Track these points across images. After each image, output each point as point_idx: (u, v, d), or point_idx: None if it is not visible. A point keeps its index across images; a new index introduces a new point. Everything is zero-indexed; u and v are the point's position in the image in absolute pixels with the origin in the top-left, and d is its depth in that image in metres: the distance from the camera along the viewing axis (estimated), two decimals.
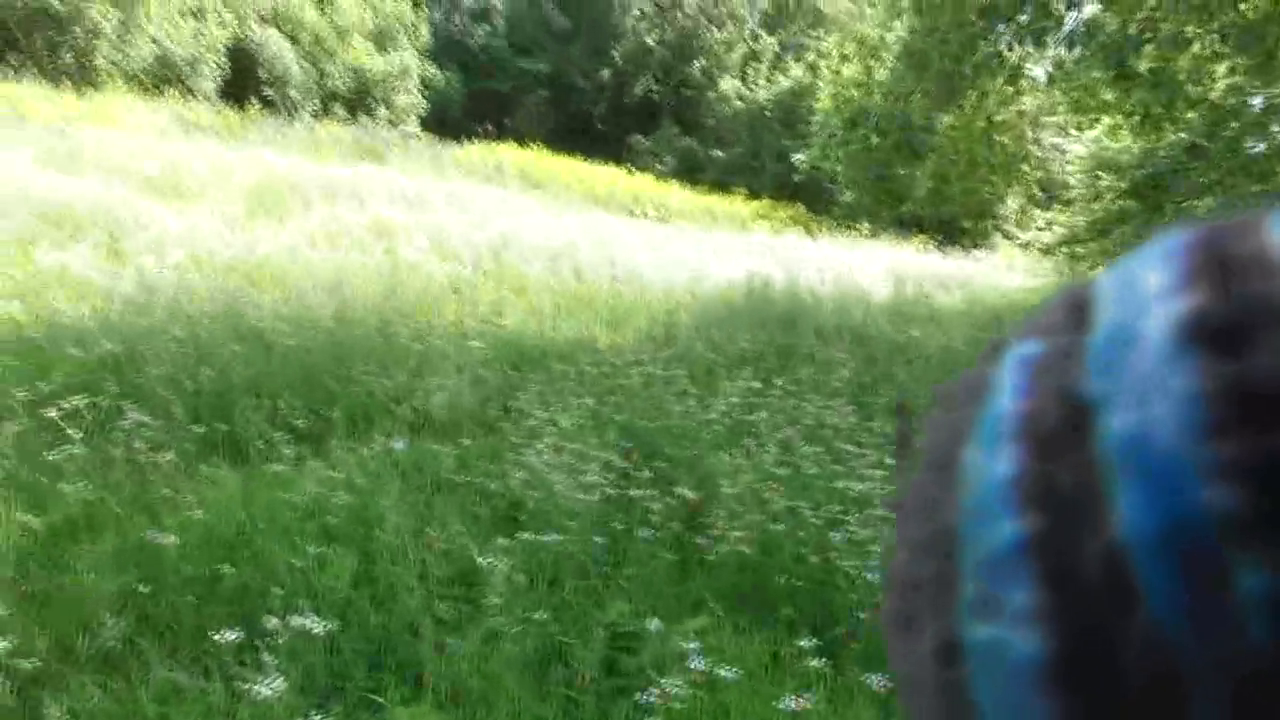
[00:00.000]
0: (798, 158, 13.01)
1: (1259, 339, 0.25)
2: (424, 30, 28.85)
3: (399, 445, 4.31)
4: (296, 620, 2.78)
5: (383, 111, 25.67)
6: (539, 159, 23.83)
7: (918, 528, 0.32)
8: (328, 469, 3.94)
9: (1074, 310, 0.30)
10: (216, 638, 2.68)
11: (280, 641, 2.68)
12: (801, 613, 3.62)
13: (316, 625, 2.76)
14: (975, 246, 20.37)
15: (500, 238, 9.79)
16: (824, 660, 3.13)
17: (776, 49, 29.79)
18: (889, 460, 4.60)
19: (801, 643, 3.34)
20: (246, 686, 2.66)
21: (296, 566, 3.21)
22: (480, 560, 3.38)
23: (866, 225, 19.77)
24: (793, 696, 2.68)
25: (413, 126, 25.69)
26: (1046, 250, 13.07)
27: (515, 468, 4.28)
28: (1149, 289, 0.28)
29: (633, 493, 4.11)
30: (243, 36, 24.28)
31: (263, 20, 25.08)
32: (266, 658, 2.66)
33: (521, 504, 4.09)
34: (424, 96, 27.45)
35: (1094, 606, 0.26)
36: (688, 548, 3.95)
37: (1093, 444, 0.26)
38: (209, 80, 23.20)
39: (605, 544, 3.83)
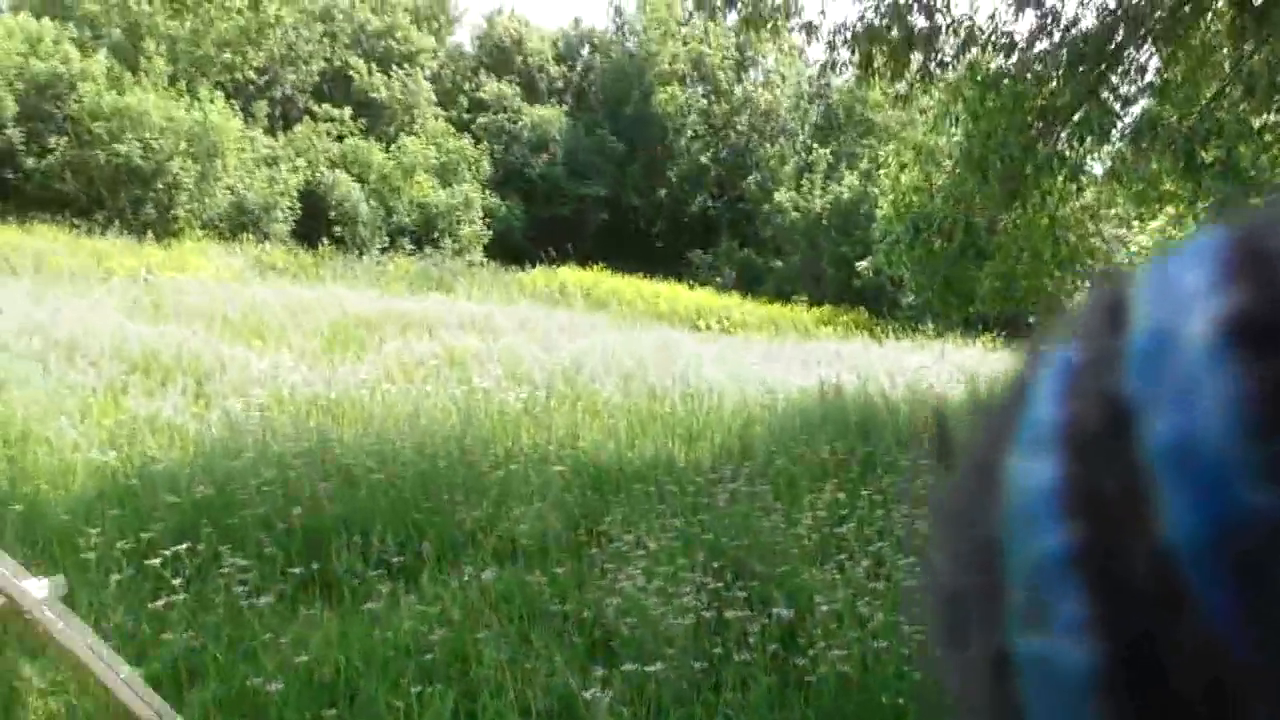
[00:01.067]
0: (862, 265, 13.09)
1: None
2: (485, 164, 29.99)
3: (488, 575, 4.30)
4: None
5: (448, 242, 26.53)
6: (601, 279, 24.31)
7: (960, 537, 0.31)
8: (421, 604, 3.94)
9: (1111, 313, 0.30)
10: None
11: None
12: None
13: None
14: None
15: (570, 359, 9.92)
16: None
17: (830, 159, 30.31)
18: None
19: None
20: None
21: (397, 706, 3.19)
22: (581, 692, 3.33)
23: (932, 326, 19.65)
24: None
25: (477, 255, 26.47)
26: None
27: (607, 594, 4.24)
28: (1187, 289, 0.27)
29: (727, 614, 4.04)
30: (313, 180, 25.49)
31: (332, 164, 26.34)
32: None
33: (616, 631, 4.03)
34: (487, 226, 28.36)
35: (1145, 614, 0.25)
36: (786, 669, 3.85)
37: (1136, 448, 0.26)
38: (282, 223, 24.32)
39: (704, 669, 3.74)
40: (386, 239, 25.83)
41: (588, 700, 3.20)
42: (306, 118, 28.15)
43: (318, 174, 25.66)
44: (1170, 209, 11.21)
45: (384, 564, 4.42)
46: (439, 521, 5.12)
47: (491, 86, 32.13)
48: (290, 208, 24.65)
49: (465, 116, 31.51)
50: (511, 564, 4.67)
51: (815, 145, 31.29)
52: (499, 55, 33.63)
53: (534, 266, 24.61)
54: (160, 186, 21.91)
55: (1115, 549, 0.26)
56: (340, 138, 27.72)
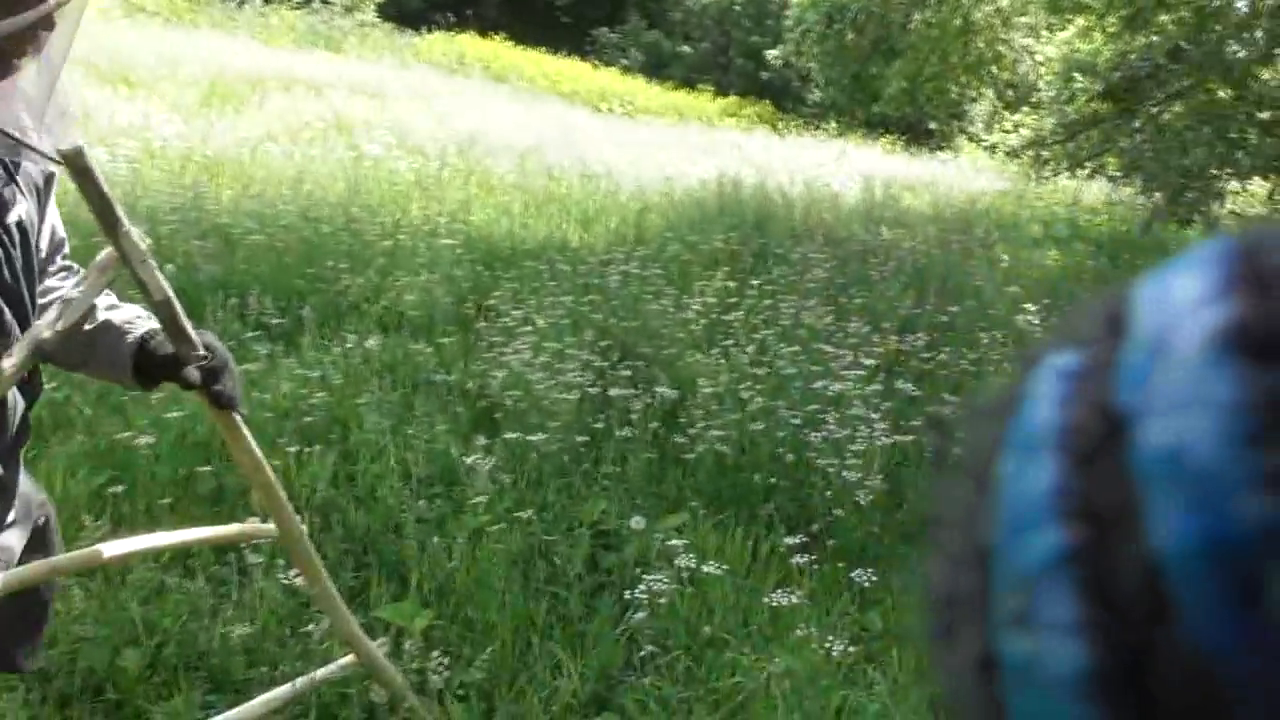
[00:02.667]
0: (772, 54, 12.75)
1: None
2: None
3: (372, 343, 4.23)
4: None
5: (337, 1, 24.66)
6: (502, 51, 23.17)
7: (956, 540, 0.32)
8: (301, 368, 3.87)
9: (1110, 319, 0.30)
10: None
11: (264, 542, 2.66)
12: (780, 510, 3.66)
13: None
14: (941, 149, 20.26)
15: (465, 132, 9.53)
16: (804, 557, 3.17)
17: None
18: (866, 361, 4.62)
19: (781, 539, 3.38)
20: (228, 587, 2.64)
21: (274, 465, 3.17)
22: (461, 459, 3.36)
23: (834, 124, 19.54)
24: (777, 591, 2.70)
25: (370, 14, 24.72)
26: (1012, 153, 13.04)
27: (493, 367, 4.24)
28: (1186, 298, 0.28)
29: (611, 392, 4.09)
30: None
31: None
32: (251, 557, 2.64)
33: (499, 403, 4.05)
34: None
35: (1134, 620, 0.25)
36: (666, 447, 3.96)
37: (1131, 455, 0.26)
38: None
39: (585, 443, 3.82)
40: None
41: (468, 466, 3.24)
42: None
43: None
44: (1081, 20, 11.14)
45: (263, 327, 4.29)
46: (322, 288, 4.97)
47: None
48: None
49: None
50: (396, 334, 4.60)
51: None
52: None
53: (431, 32, 23.22)
54: None
55: (1107, 555, 0.26)
56: None
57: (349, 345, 4.19)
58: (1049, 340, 0.32)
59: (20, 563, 1.64)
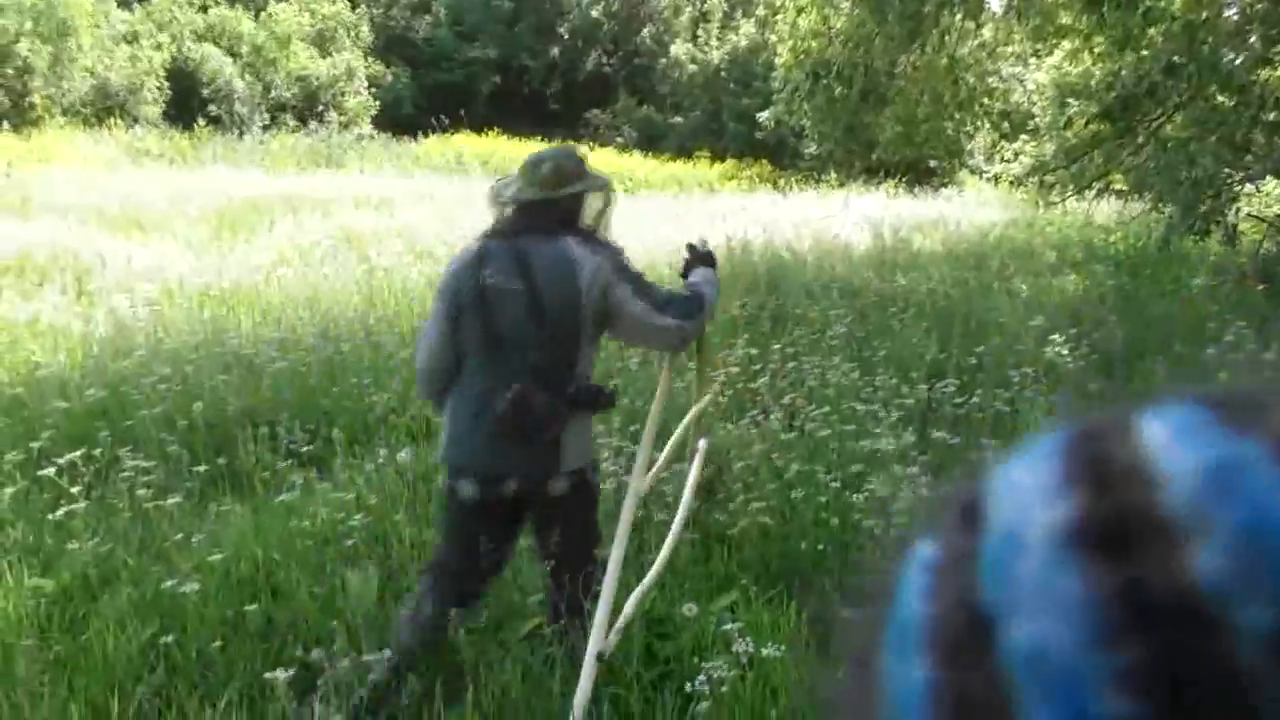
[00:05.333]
0: (763, 116, 12.90)
1: (1138, 548, 0.26)
2: (365, 29, 28.49)
3: (404, 455, 4.23)
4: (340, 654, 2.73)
5: (334, 116, 25.35)
6: (498, 145, 23.66)
7: None
8: (336, 491, 3.87)
9: (965, 511, 0.31)
10: (269, 676, 2.61)
11: (336, 672, 2.63)
12: (830, 576, 3.59)
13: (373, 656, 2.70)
14: (944, 186, 20.35)
15: (473, 231, 9.65)
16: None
17: (725, 8, 29.53)
18: (897, 414, 4.57)
19: (836, 608, 3.31)
20: None
21: (319, 594, 3.15)
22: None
23: (834, 176, 19.70)
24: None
25: (366, 127, 25.38)
26: (1016, 181, 13.07)
27: None
28: (1032, 492, 0.28)
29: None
30: (180, 56, 23.87)
31: (199, 37, 24.66)
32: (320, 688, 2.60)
33: None
34: (374, 96, 27.12)
35: None
36: (707, 526, 3.92)
37: (997, 655, 0.27)
38: (152, 105, 22.85)
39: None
40: (267, 116, 24.54)
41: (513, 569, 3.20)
42: None
43: (184, 49, 24.01)
44: (1067, 44, 11.23)
45: (294, 454, 4.30)
46: (348, 407, 5.00)
47: None
48: (158, 87, 23.13)
49: None
50: (426, 443, 4.60)
51: None
52: None
53: (426, 136, 23.77)
54: (10, 72, 20.28)
55: None
56: (204, 8, 25.88)
57: (380, 461, 4.19)
58: (915, 528, 0.33)
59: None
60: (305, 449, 4.33)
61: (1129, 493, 0.27)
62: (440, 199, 13.53)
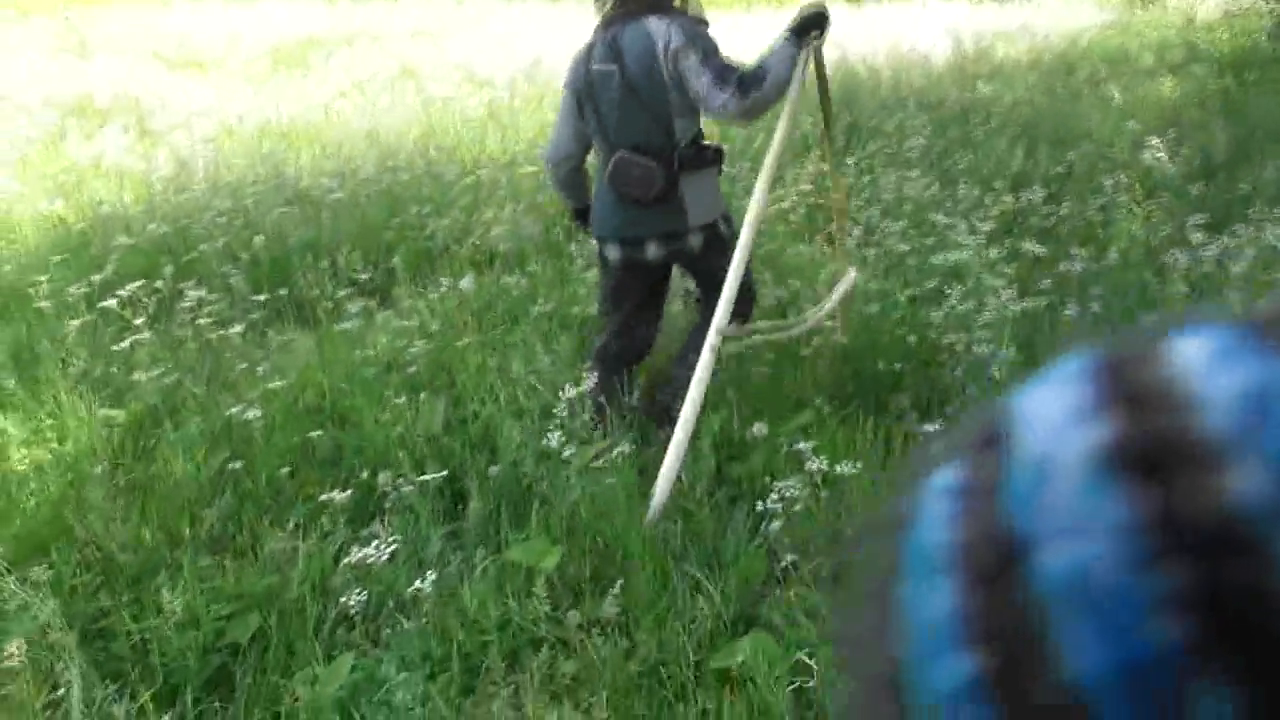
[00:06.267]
0: None
1: (1180, 472, 0.25)
2: None
3: (466, 284, 4.14)
4: (403, 478, 2.71)
5: None
6: None
7: (866, 662, 0.32)
8: (399, 319, 3.81)
9: (988, 435, 0.30)
10: (325, 498, 2.62)
11: (400, 492, 2.61)
12: (910, 394, 3.46)
13: (429, 477, 2.68)
14: None
15: (531, 58, 9.27)
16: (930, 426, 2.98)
17: None
18: (981, 226, 4.30)
19: (915, 426, 3.19)
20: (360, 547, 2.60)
21: (386, 419, 3.12)
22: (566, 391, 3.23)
23: None
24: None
25: None
26: None
27: (590, 289, 4.10)
28: (1064, 416, 0.28)
29: None
30: None
31: None
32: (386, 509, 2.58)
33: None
34: None
35: None
36: (781, 346, 3.78)
37: (1030, 580, 0.26)
38: None
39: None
40: None
41: (574, 396, 3.11)
42: None
43: None
44: None
45: (355, 284, 4.24)
46: (410, 236, 4.90)
47: None
48: None
49: None
50: (489, 270, 4.50)
51: None
52: None
53: None
54: None
55: (1021, 680, 0.26)
56: None
57: (443, 290, 4.10)
58: (932, 455, 0.32)
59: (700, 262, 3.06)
60: (366, 279, 4.26)
61: (1166, 415, 0.26)
62: (495, 25, 13.01)
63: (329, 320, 3.89)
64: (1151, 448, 0.26)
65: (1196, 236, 4.07)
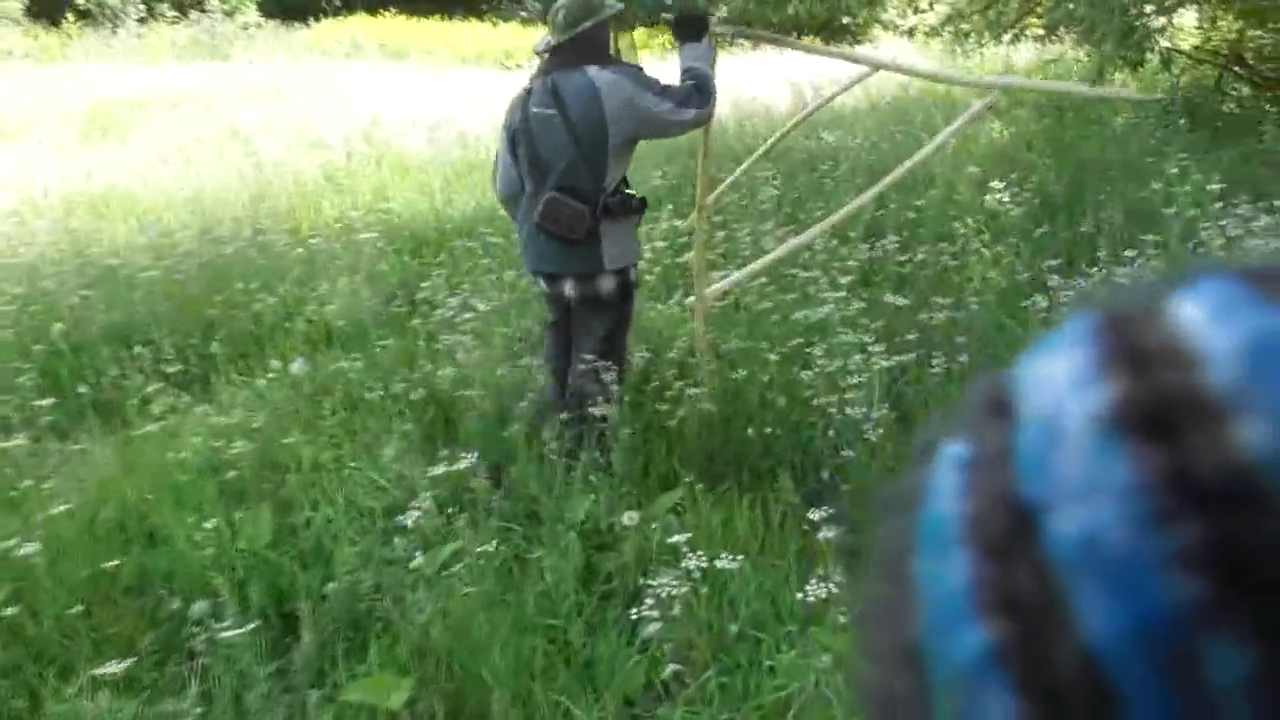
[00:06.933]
0: None
1: (1187, 428, 0.25)
2: None
3: (297, 367, 3.75)
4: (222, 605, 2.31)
5: (216, 3, 23.50)
6: (396, 28, 22.25)
7: (882, 641, 0.31)
8: (218, 414, 3.39)
9: (995, 405, 0.30)
10: (99, 674, 2.16)
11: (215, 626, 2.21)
12: (781, 462, 3.27)
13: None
14: (859, 42, 19.72)
15: (369, 117, 8.90)
16: (821, 512, 2.78)
17: None
18: (840, 279, 4.19)
19: (791, 495, 2.99)
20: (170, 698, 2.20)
21: (200, 538, 2.71)
22: (425, 475, 2.90)
23: (752, 39, 18.88)
24: (811, 582, 2.28)
25: (252, 14, 23.62)
26: (932, 32, 12.63)
27: (439, 366, 3.78)
28: (1067, 380, 0.28)
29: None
30: None
31: None
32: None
33: (453, 403, 3.61)
34: None
35: (1075, 712, 0.25)
36: (648, 416, 3.54)
37: (1043, 547, 0.26)
38: (12, 0, 20.87)
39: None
40: (143, 7, 22.62)
41: (425, 488, 2.78)
42: None
43: None
44: None
45: (167, 376, 3.77)
46: (235, 315, 4.46)
47: None
48: None
49: None
50: (326, 350, 4.12)
51: None
52: None
53: (319, 21, 22.23)
54: None
55: (1039, 648, 0.26)
56: None
57: (271, 376, 3.70)
58: (941, 428, 0.32)
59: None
60: (180, 368, 3.80)
61: (1170, 373, 0.26)
62: (334, 85, 12.57)
63: (138, 419, 3.42)
64: (1158, 405, 0.25)
65: (1053, 279, 4.06)
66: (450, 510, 2.75)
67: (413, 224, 6.20)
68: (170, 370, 3.70)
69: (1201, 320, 0.27)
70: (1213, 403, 0.25)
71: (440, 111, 9.55)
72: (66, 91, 12.00)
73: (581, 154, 2.99)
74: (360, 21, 22.60)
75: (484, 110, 9.69)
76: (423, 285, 4.57)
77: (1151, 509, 0.24)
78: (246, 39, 20.29)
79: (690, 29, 3.16)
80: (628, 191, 3.18)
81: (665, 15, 3.06)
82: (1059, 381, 0.28)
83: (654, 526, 2.76)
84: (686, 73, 3.10)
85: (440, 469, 2.90)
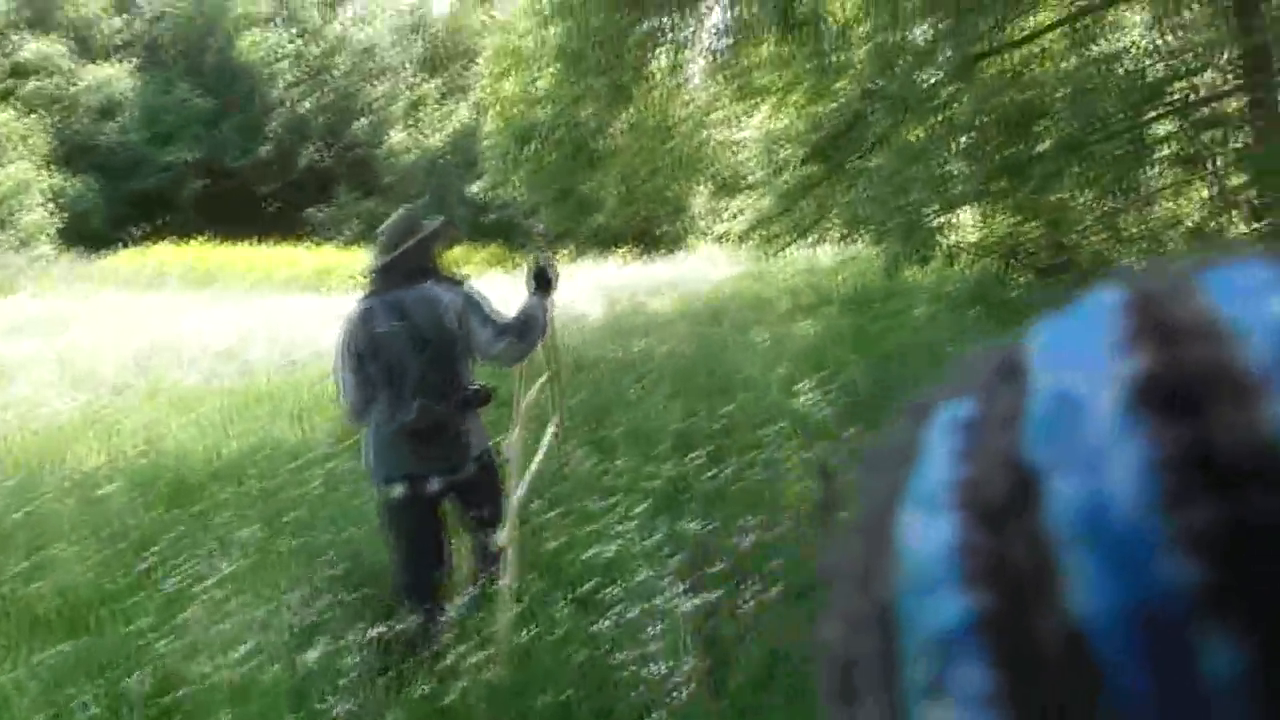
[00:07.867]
0: (472, 189, 12.24)
1: (1212, 405, 0.24)
2: (40, 138, 25.68)
3: None
4: None
5: (7, 235, 22.41)
6: (204, 253, 21.71)
7: (853, 599, 0.31)
8: None
9: (1005, 369, 0.29)
10: None
11: None
12: None
13: None
14: (674, 250, 20.46)
15: (149, 347, 8.24)
16: None
17: (440, 90, 28.96)
18: (638, 509, 3.81)
19: None
20: None
21: None
22: None
23: (568, 249, 19.31)
24: None
25: (45, 246, 22.59)
26: (741, 238, 13.15)
27: (164, 648, 3.12)
28: (1090, 350, 0.27)
29: (343, 640, 3.08)
30: None
31: None
32: None
33: (179, 705, 2.94)
34: (56, 209, 24.28)
35: (1054, 688, 0.24)
36: (415, 697, 2.97)
37: (1042, 515, 0.25)
38: None
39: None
40: None
41: None
42: None
43: None
44: (767, 106, 11.28)
45: None
46: None
47: (33, 46, 27.43)
48: None
49: (5, 84, 26.71)
50: (26, 645, 3.37)
51: (423, 78, 29.82)
52: (39, 9, 28.68)
53: (116, 250, 21.46)
54: None
55: (1023, 620, 0.25)
56: None
57: None
58: (940, 389, 0.31)
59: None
60: None
61: (1199, 348, 0.25)
62: (122, 315, 11.83)
63: None
64: (1184, 379, 0.25)
65: None
66: None
67: (182, 465, 5.53)
68: None
69: (1233, 298, 0.26)
70: (1241, 379, 0.24)
71: (233, 339, 9.00)
72: None
73: (435, 361, 3.14)
74: (166, 249, 22.00)
75: (281, 337, 9.20)
76: (151, 550, 3.89)
77: (1165, 484, 0.23)
78: (38, 271, 19.27)
79: (543, 282, 3.42)
80: (477, 384, 3.30)
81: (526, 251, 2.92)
82: (1083, 350, 0.27)
83: None
84: (521, 312, 3.29)
85: None
